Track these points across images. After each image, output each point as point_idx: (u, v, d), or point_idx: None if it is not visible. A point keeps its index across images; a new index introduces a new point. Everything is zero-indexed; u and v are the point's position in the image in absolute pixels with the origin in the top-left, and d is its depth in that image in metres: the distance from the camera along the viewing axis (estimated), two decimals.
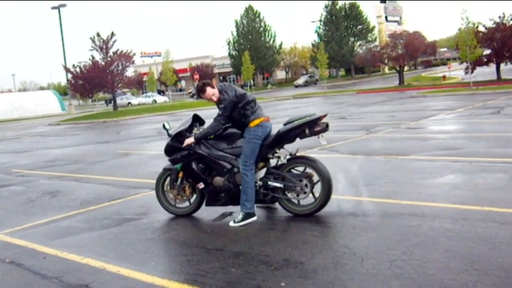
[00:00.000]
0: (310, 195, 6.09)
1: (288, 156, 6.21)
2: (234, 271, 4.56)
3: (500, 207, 5.83)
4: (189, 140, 6.29)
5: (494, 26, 39.06)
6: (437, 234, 5.05)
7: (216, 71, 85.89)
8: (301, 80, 75.58)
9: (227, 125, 6.41)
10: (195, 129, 6.59)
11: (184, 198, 6.70)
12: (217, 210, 6.71)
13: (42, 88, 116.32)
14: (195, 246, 5.45)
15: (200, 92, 6.28)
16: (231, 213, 6.57)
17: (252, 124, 6.08)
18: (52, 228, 6.73)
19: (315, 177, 6.05)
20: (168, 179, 6.74)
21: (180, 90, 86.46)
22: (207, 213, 6.69)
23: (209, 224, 6.39)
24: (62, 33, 51.20)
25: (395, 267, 4.29)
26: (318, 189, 6.04)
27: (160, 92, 76.58)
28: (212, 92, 6.19)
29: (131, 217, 6.92)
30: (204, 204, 6.59)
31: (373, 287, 3.95)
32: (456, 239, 4.87)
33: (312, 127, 6.03)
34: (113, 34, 43.55)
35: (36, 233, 6.53)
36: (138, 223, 6.60)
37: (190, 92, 68.05)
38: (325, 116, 6.13)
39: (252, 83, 71.16)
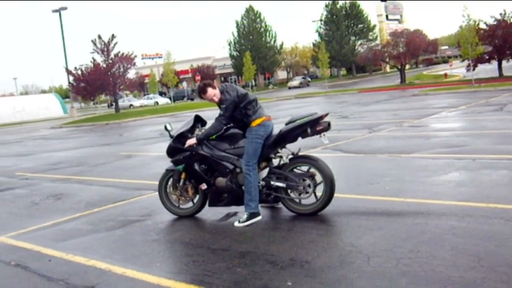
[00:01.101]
0: (313, 194, 6.08)
1: (290, 156, 6.20)
2: (240, 271, 4.55)
3: (506, 203, 5.82)
4: (191, 141, 6.28)
5: (495, 23, 38.97)
6: (443, 232, 5.04)
7: (217, 71, 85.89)
8: (296, 82, 73.40)
9: (229, 126, 6.40)
10: (197, 130, 6.58)
11: (187, 199, 6.69)
12: (222, 211, 6.71)
13: (44, 91, 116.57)
14: (200, 247, 5.44)
15: (201, 92, 6.27)
16: (235, 214, 6.56)
17: (253, 124, 6.08)
18: (57, 231, 6.72)
19: (318, 177, 6.04)
20: (171, 180, 6.74)
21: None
22: (212, 213, 6.69)
23: (214, 224, 6.38)
24: (63, 36, 51.29)
25: (402, 265, 4.28)
26: (320, 188, 6.03)
27: (162, 94, 76.55)
28: (213, 92, 6.18)
29: (136, 218, 6.92)
30: (207, 204, 6.58)
31: (380, 285, 3.94)
32: (462, 236, 4.86)
33: (313, 126, 6.02)
34: (113, 36, 43.62)
35: (41, 236, 6.53)
36: (142, 224, 6.60)
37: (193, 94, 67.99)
38: (326, 115, 6.12)
39: (253, 83, 71.11)
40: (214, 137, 6.37)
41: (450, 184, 7.09)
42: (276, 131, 6.23)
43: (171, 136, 6.70)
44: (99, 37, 43.24)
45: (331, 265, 4.47)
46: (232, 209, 6.66)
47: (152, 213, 7.10)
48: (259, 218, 6.07)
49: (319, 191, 6.05)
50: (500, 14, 39.01)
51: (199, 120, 6.72)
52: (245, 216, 6.04)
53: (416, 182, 7.43)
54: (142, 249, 5.53)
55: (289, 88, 69.41)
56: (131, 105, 64.74)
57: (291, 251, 4.93)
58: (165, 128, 6.93)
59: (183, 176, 6.59)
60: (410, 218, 5.63)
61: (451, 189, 6.78)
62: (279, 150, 6.27)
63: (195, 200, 6.68)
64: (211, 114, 6.79)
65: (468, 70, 38.26)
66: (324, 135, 6.08)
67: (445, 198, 6.31)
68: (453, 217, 5.51)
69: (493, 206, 5.78)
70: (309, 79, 74.34)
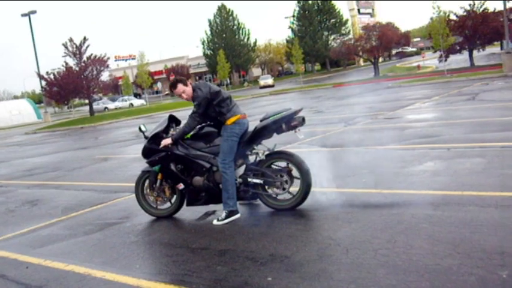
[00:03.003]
0: (290, 189, 6.10)
1: (267, 152, 6.22)
2: (220, 269, 4.55)
3: (480, 190, 5.92)
4: (166, 141, 6.25)
5: (465, 14, 39.58)
6: (419, 221, 5.10)
7: (191, 71, 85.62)
8: (269, 80, 65.27)
9: (205, 124, 6.40)
10: (172, 130, 6.56)
11: (165, 199, 6.67)
12: (200, 210, 6.70)
13: (16, 97, 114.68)
14: (179, 247, 5.43)
15: (172, 86, 6.29)
16: (214, 212, 6.56)
17: (228, 122, 6.07)
18: (34, 237, 6.64)
19: (294, 172, 6.07)
20: (147, 181, 6.71)
21: (157, 92, 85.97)
22: (190, 213, 6.67)
23: (193, 223, 6.36)
24: (33, 40, 50.32)
25: (380, 255, 4.33)
26: (297, 183, 6.06)
27: (136, 95, 76.03)
28: (183, 89, 6.19)
29: (114, 221, 6.87)
30: (185, 204, 6.57)
31: (359, 277, 3.97)
32: (438, 225, 4.93)
33: (288, 122, 6.04)
34: (85, 39, 43.26)
35: (18, 243, 6.44)
36: (121, 227, 6.55)
37: (167, 94, 67.82)
38: (300, 110, 6.15)
39: (228, 81, 71.04)
40: (189, 136, 6.35)
41: (425, 174, 7.18)
42: (251, 128, 6.23)
43: (145, 137, 6.66)
44: (71, 40, 42.87)
45: (311, 259, 4.50)
46: (211, 207, 6.66)
47: (130, 215, 7.06)
48: (237, 215, 6.07)
49: (296, 186, 6.08)
50: (470, 5, 39.62)
51: (173, 120, 6.69)
52: (224, 214, 6.05)
53: (392, 173, 7.51)
54: (122, 252, 5.49)
55: (261, 88, 62.29)
56: (106, 107, 64.21)
57: (270, 247, 4.95)
58: (140, 129, 6.90)
59: (159, 176, 6.57)
60: (387, 209, 5.69)
61: (427, 179, 6.86)
62: (255, 147, 6.29)
63: (173, 200, 6.66)
64: (185, 114, 6.76)
65: (440, 61, 38.84)
66: (299, 130, 6.10)
67: (421, 188, 6.39)
68: (429, 206, 5.58)
69: (467, 193, 5.88)
70: (273, 77, 69.76)
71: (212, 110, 6.12)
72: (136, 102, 65.88)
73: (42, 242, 6.33)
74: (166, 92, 77.48)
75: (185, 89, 6.20)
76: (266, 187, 6.18)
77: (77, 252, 5.72)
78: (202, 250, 5.19)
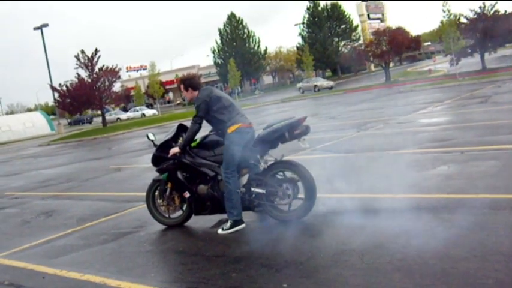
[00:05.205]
0: (294, 200, 5.98)
1: (271, 162, 6.15)
2: (235, 276, 4.55)
3: (495, 193, 5.88)
4: (174, 150, 6.27)
5: (475, 16, 39.37)
6: (434, 225, 5.07)
7: (203, 80, 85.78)
8: (326, 82, 58.64)
9: (211, 133, 6.42)
10: (181, 138, 6.56)
11: (175, 208, 6.69)
12: (214, 218, 6.69)
13: (29, 109, 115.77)
14: (194, 255, 5.43)
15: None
16: (227, 220, 6.54)
17: (229, 130, 6.01)
18: (49, 248, 6.68)
19: (299, 182, 5.95)
20: (158, 190, 6.74)
21: (169, 102, 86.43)
22: (204, 221, 6.67)
23: (207, 232, 6.36)
24: (46, 53, 50.89)
25: (395, 260, 4.30)
26: (302, 193, 5.97)
27: (149, 106, 76.35)
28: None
29: (128, 231, 6.89)
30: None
31: (375, 281, 3.95)
32: (454, 228, 4.89)
33: (291, 130, 5.91)
34: (96, 50, 43.53)
35: (34, 254, 6.48)
36: (135, 236, 6.58)
37: (179, 103, 68.08)
38: (304, 118, 6.02)
39: (239, 89, 71.13)
40: (195, 144, 6.35)
41: (439, 178, 7.13)
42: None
43: (155, 145, 6.71)
44: (82, 52, 43.15)
45: (325, 265, 4.48)
46: (225, 215, 6.65)
47: (144, 224, 7.08)
48: (242, 225, 6.01)
49: (301, 195, 5.98)
50: (480, 8, 39.42)
51: (183, 129, 6.69)
52: (228, 224, 6.01)
53: (406, 177, 7.46)
54: (136, 261, 5.51)
55: (317, 90, 54.73)
56: (118, 118, 64.59)
57: (284, 254, 4.94)
58: (148, 137, 6.93)
59: (169, 185, 6.59)
60: (401, 214, 5.66)
61: (441, 183, 6.82)
62: (261, 157, 6.13)
63: (184, 208, 6.66)
64: None
65: (452, 64, 38.57)
66: (303, 139, 5.99)
67: (435, 192, 6.35)
68: (444, 210, 5.55)
69: (482, 196, 5.83)
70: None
71: (212, 117, 6.11)
72: (149, 112, 66.20)
73: (57, 252, 6.37)
74: (178, 102, 77.85)
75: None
76: (269, 197, 6.02)
77: (92, 261, 5.74)
78: (217, 258, 5.19)
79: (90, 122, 75.39)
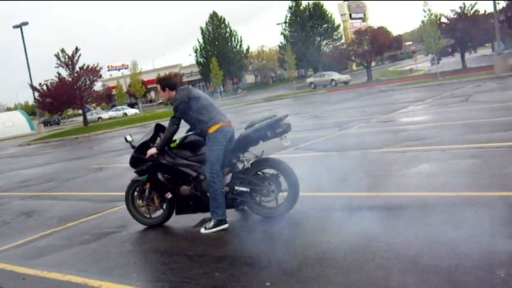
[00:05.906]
0: (278, 196, 6.05)
1: (253, 160, 6.16)
2: (218, 275, 4.53)
3: (476, 191, 5.94)
4: (151, 151, 6.22)
5: (456, 16, 39.82)
6: (416, 223, 5.10)
7: (185, 79, 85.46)
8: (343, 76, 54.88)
9: (190, 133, 6.40)
10: (159, 139, 6.49)
11: (155, 208, 6.65)
12: (197, 217, 6.66)
13: (9, 109, 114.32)
14: (176, 254, 5.40)
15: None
16: (210, 219, 6.52)
17: (211, 130, 5.99)
18: (30, 249, 6.60)
19: (281, 179, 6.02)
20: (137, 191, 6.69)
21: (150, 101, 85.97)
22: (186, 220, 6.64)
23: (189, 231, 6.32)
24: (25, 51, 50.08)
25: (378, 258, 4.32)
26: (285, 190, 6.02)
27: (131, 105, 75.82)
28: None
29: (110, 231, 6.83)
30: (174, 213, 6.54)
31: (358, 279, 3.97)
32: (435, 226, 4.93)
33: (273, 129, 5.97)
34: (77, 49, 43.17)
35: (14, 255, 6.40)
36: (117, 236, 6.52)
37: (160, 102, 67.76)
38: (286, 116, 6.09)
39: (222, 89, 71.01)
40: (175, 145, 6.32)
41: (421, 176, 7.19)
42: (236, 135, 6.20)
43: (133, 147, 6.65)
44: (63, 51, 42.76)
45: (309, 263, 4.48)
46: (208, 214, 6.62)
47: (126, 224, 7.02)
48: (226, 225, 5.99)
49: (284, 192, 6.04)
50: (460, 8, 39.87)
51: (160, 129, 6.64)
52: (212, 223, 5.99)
53: (388, 176, 7.51)
54: (118, 261, 5.46)
55: (336, 85, 51.38)
56: (100, 117, 64.12)
57: (268, 252, 4.93)
58: (126, 139, 6.88)
59: (148, 186, 6.54)
60: (384, 212, 5.69)
61: (422, 181, 6.87)
62: (242, 155, 6.21)
63: (164, 207, 6.62)
64: None
65: (433, 64, 38.98)
66: (285, 137, 6.02)
67: (417, 190, 6.40)
68: (425, 208, 5.58)
69: (463, 194, 5.89)
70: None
71: (192, 117, 6.08)
72: (130, 111, 65.79)
73: (38, 253, 6.29)
74: (160, 101, 77.43)
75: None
76: (253, 195, 6.09)
77: (73, 262, 5.68)
78: (199, 257, 5.17)
79: (58, 123, 75.60)
